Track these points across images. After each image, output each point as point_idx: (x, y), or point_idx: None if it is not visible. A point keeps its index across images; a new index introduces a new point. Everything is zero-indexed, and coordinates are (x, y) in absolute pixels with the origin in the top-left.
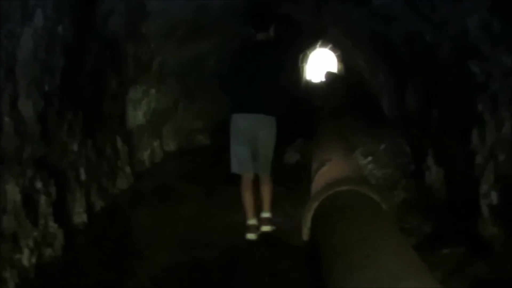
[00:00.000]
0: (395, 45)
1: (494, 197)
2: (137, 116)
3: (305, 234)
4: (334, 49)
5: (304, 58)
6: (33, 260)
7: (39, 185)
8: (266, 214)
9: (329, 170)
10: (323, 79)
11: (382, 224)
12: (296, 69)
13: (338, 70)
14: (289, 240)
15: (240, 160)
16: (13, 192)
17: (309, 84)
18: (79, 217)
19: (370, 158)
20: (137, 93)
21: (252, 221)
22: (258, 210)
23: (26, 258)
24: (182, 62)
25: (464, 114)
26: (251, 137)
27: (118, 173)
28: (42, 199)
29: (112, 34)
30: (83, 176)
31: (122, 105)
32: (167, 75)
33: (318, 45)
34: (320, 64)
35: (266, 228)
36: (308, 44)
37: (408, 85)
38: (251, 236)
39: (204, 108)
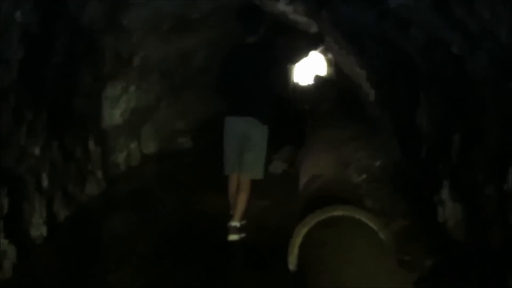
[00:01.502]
0: (409, 54)
1: None
2: (114, 115)
3: (292, 263)
4: (324, 52)
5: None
6: None
7: None
8: (234, 223)
9: (320, 189)
10: (311, 82)
11: (381, 260)
12: (284, 71)
13: (328, 74)
14: (275, 266)
15: (228, 160)
16: None
17: (297, 87)
18: (38, 229)
19: (364, 176)
20: (115, 90)
21: (233, 223)
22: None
23: None
24: (167, 57)
25: (499, 147)
26: (242, 140)
27: (88, 177)
28: None
29: (88, 24)
30: (45, 183)
31: (97, 103)
32: (150, 71)
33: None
34: (309, 66)
35: (233, 237)
36: (303, 47)
37: (420, 101)
38: (232, 237)
39: (189, 107)
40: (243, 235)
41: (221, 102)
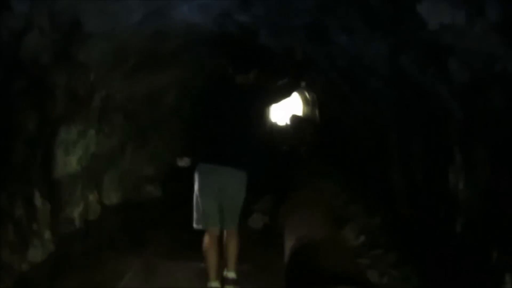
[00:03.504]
0: (441, 96)
1: None
2: (69, 162)
3: None
4: (302, 90)
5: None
6: None
7: None
8: (231, 274)
9: (312, 257)
10: (288, 122)
11: None
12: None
13: (305, 114)
14: None
15: (205, 214)
16: None
17: (275, 127)
18: None
19: (363, 238)
20: (70, 134)
21: (214, 284)
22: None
23: None
24: (133, 97)
25: None
26: (219, 190)
27: (31, 240)
28: None
29: (30, 58)
30: None
31: (47, 149)
32: (113, 112)
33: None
34: (285, 105)
35: None
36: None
37: (456, 160)
38: None
39: (158, 152)
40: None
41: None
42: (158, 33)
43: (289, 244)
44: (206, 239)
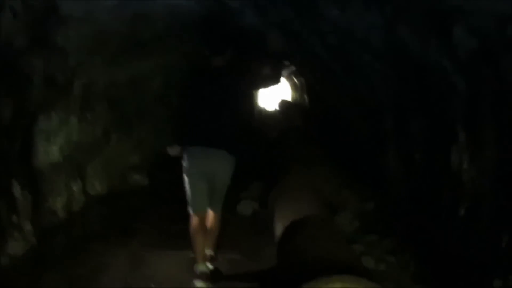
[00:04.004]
0: (443, 69)
1: None
2: (50, 151)
3: None
4: (290, 76)
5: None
6: None
7: None
8: (209, 252)
9: (305, 244)
10: (277, 107)
11: None
12: (250, 96)
13: (293, 99)
14: None
15: (195, 197)
16: None
17: (263, 113)
18: None
19: (357, 224)
20: (51, 122)
21: (202, 267)
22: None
23: None
24: (117, 83)
25: None
26: (209, 173)
27: (11, 233)
28: None
29: (3, 41)
30: None
31: (26, 138)
32: (96, 99)
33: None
34: (273, 91)
35: (209, 267)
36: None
37: (459, 139)
38: (200, 284)
39: (144, 140)
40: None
41: (180, 132)
42: (139, 16)
43: (280, 231)
44: (194, 221)
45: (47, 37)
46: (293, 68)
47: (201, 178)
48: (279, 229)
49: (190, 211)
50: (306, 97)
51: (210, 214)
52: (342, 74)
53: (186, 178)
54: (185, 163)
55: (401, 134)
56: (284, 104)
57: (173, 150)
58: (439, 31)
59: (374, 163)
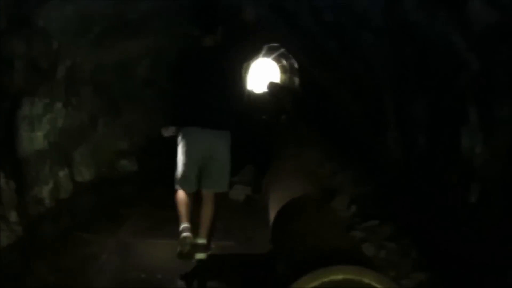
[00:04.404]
0: (453, 46)
1: None
2: (35, 138)
3: None
4: (278, 58)
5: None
6: None
7: None
8: (201, 240)
9: (300, 232)
10: (266, 89)
11: None
12: (241, 78)
13: (282, 81)
14: None
15: (184, 176)
16: None
17: (252, 95)
18: None
19: (354, 209)
20: (35, 108)
21: (185, 224)
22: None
23: None
24: (103, 67)
25: None
26: (204, 153)
27: None
28: None
29: None
30: None
31: (8, 125)
32: (81, 84)
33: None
34: (261, 73)
35: (200, 256)
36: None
37: (471, 120)
38: (186, 234)
39: (133, 125)
40: (209, 252)
41: (171, 114)
42: None
43: (274, 218)
44: (180, 193)
45: (28, 18)
46: (282, 50)
47: (195, 159)
48: (274, 215)
49: (177, 187)
50: (296, 79)
51: (207, 197)
52: (338, 54)
53: (179, 156)
54: (179, 144)
55: (402, 115)
56: (273, 86)
57: (168, 131)
58: (451, 2)
59: (372, 146)
